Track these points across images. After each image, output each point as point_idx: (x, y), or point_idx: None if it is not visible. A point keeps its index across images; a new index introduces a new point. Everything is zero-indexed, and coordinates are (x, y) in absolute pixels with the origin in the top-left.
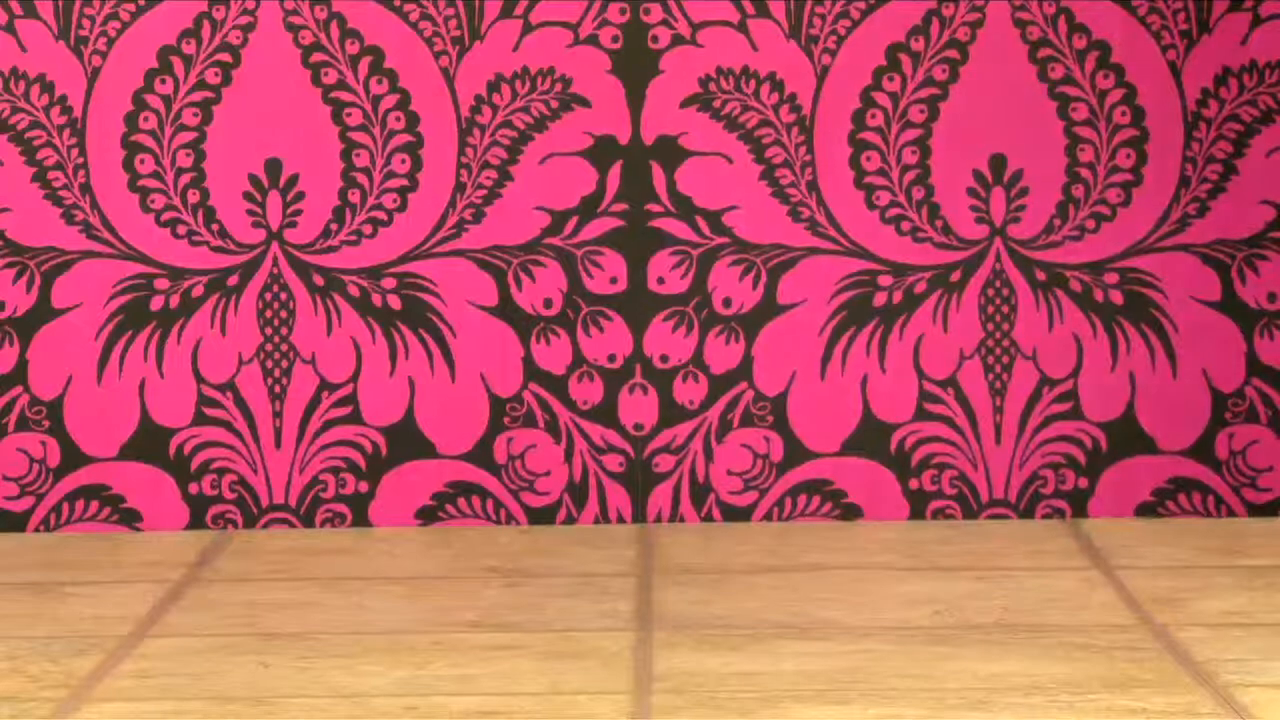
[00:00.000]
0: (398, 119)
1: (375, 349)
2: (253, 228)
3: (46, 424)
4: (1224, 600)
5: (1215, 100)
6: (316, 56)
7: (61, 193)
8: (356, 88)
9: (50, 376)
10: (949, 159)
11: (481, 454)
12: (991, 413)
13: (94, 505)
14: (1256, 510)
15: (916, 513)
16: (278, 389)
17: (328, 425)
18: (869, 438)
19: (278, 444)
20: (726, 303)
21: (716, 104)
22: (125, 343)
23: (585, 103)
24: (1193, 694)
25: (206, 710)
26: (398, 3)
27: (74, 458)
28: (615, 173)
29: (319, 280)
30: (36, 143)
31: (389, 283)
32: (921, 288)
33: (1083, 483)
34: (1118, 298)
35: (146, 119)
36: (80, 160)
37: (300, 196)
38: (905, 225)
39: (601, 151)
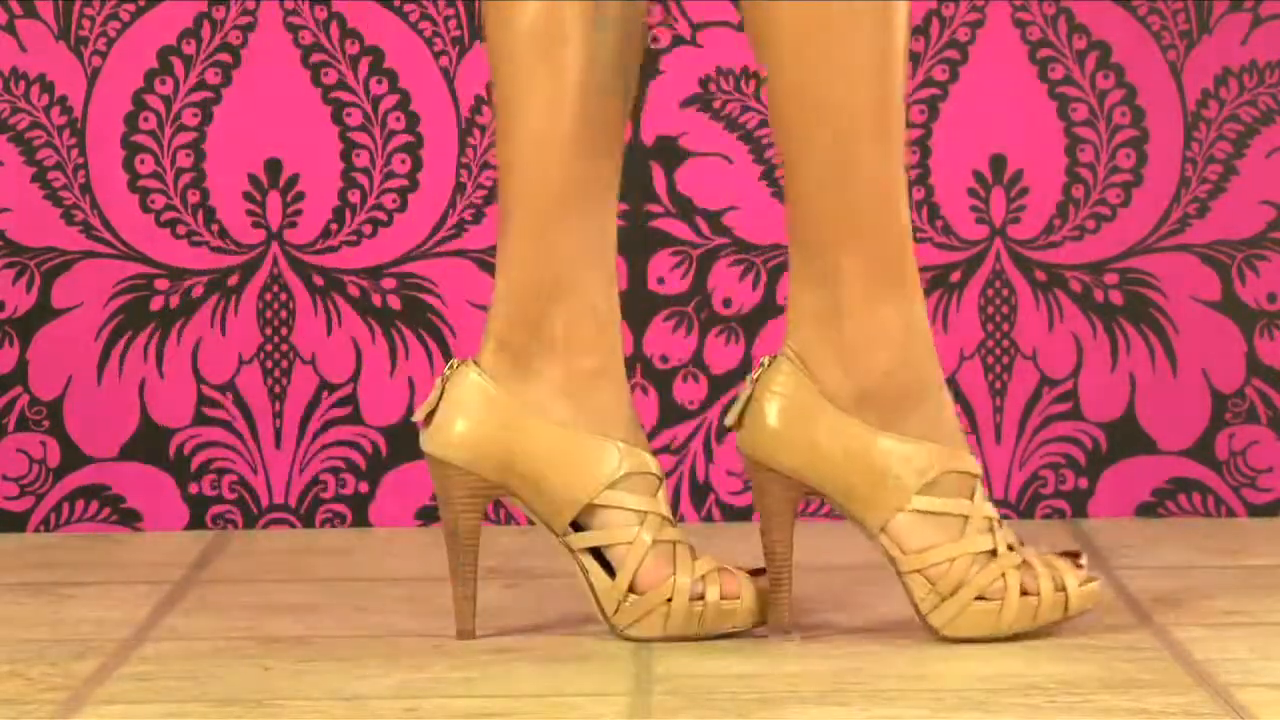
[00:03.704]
0: (398, 119)
1: (375, 349)
2: (253, 228)
3: (46, 424)
4: (1224, 600)
5: (1215, 100)
6: (316, 56)
7: (61, 193)
8: (356, 88)
9: (50, 376)
10: (949, 159)
11: None
12: (991, 413)
13: (94, 505)
14: (1256, 510)
15: None
16: (278, 389)
17: (327, 425)
18: None
19: (278, 444)
20: (726, 303)
21: (716, 104)
22: (125, 343)
23: None
24: (1192, 694)
25: (207, 713)
26: (398, 3)
27: (74, 458)
28: None
29: (319, 280)
30: (36, 143)
31: (389, 283)
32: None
33: (1083, 483)
34: (1118, 298)
35: (146, 119)
36: (80, 160)
37: (300, 196)
38: None
39: None
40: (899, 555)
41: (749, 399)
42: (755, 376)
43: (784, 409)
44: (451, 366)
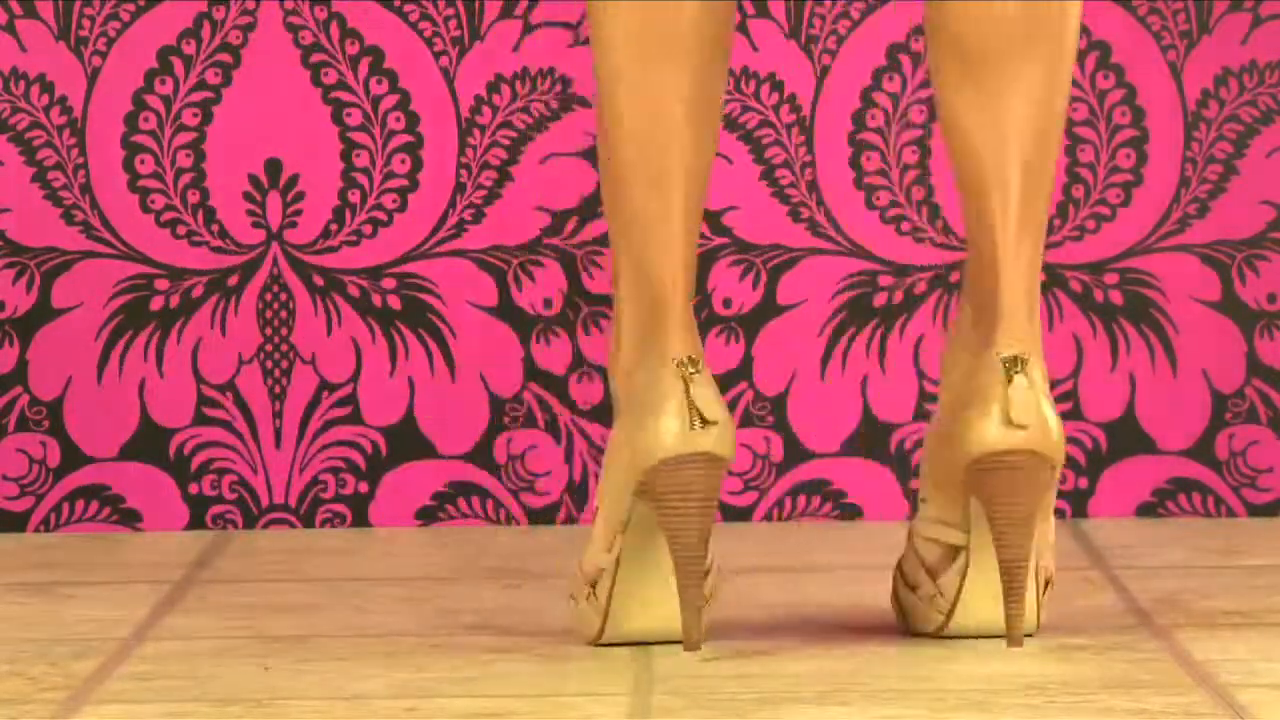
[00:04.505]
0: (398, 119)
1: (375, 349)
2: (253, 228)
3: (46, 424)
4: (1224, 600)
5: (1215, 100)
6: (316, 56)
7: (61, 193)
8: (356, 88)
9: (50, 376)
10: (949, 159)
11: (481, 454)
12: None
13: (94, 505)
14: (1256, 510)
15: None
16: (278, 389)
17: (328, 425)
18: (869, 438)
19: (278, 444)
20: (726, 303)
21: None
22: (125, 343)
23: (585, 103)
24: (1192, 694)
25: (207, 713)
26: (398, 3)
27: (74, 458)
28: None
29: (319, 280)
30: (36, 143)
31: (389, 283)
32: (921, 288)
33: (1083, 483)
34: (1118, 298)
35: (146, 119)
36: (80, 160)
37: (300, 196)
38: (905, 225)
39: None
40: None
41: (1036, 395)
42: (1013, 376)
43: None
44: (683, 365)
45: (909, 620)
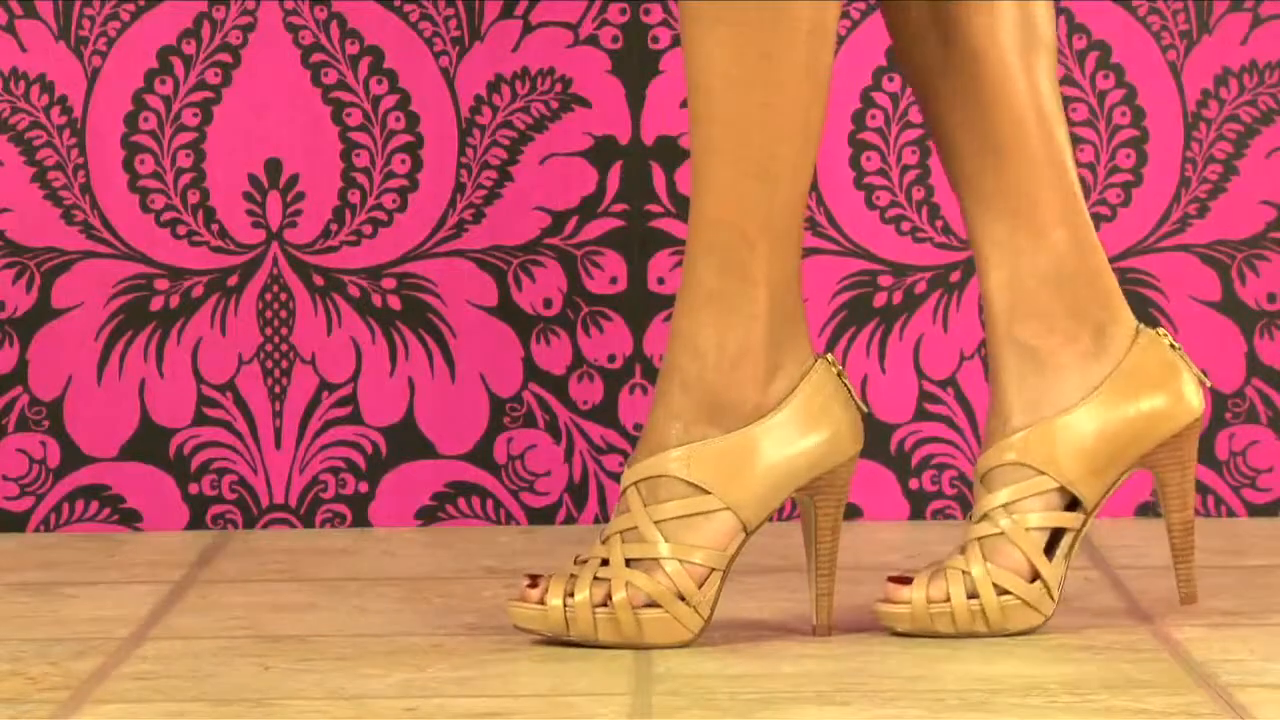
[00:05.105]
0: (398, 119)
1: (375, 349)
2: (252, 228)
3: (46, 424)
4: (1224, 600)
5: (1215, 100)
6: (316, 56)
7: (61, 193)
8: (356, 88)
9: (50, 376)
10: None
11: (481, 454)
12: None
13: (94, 505)
14: (1256, 510)
15: (916, 513)
16: (278, 389)
17: (328, 425)
18: (869, 438)
19: (278, 444)
20: None
21: None
22: (125, 343)
23: (585, 103)
24: (1192, 694)
25: (207, 712)
26: (398, 3)
27: (74, 458)
28: (615, 173)
29: (319, 280)
30: (36, 143)
31: (389, 283)
32: (921, 288)
33: None
34: None
35: (146, 119)
36: (80, 160)
37: (300, 196)
38: (905, 225)
39: (601, 151)
40: None
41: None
42: (1177, 347)
43: None
44: (834, 361)
45: (1008, 623)
